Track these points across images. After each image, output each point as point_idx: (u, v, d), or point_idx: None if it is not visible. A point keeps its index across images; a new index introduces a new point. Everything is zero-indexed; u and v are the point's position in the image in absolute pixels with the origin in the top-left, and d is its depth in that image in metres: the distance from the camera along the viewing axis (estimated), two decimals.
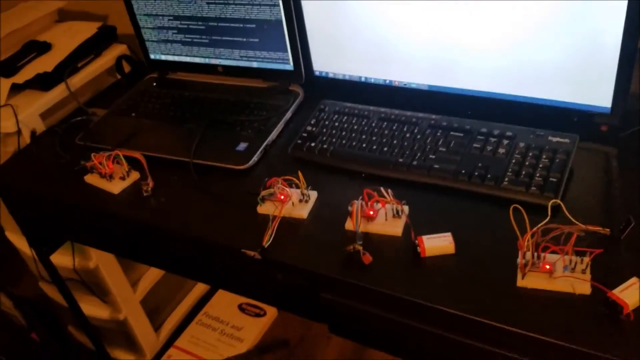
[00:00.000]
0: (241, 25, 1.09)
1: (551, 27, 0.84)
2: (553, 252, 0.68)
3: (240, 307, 1.70)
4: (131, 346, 1.56)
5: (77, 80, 1.26)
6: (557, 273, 0.68)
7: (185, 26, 1.15)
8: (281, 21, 1.05)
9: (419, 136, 0.92)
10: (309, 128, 0.99)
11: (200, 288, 1.74)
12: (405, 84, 1.02)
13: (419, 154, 0.89)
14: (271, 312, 1.68)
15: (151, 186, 0.95)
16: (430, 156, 0.88)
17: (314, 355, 1.57)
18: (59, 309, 1.51)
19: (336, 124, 0.99)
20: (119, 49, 1.34)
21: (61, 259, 1.32)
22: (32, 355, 1.40)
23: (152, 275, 1.53)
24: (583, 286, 0.67)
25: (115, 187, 0.97)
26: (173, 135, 1.08)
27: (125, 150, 0.98)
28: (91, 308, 1.44)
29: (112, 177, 0.98)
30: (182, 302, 1.70)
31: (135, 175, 0.99)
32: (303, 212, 0.85)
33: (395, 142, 0.92)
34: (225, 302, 1.72)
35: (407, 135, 0.93)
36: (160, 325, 1.64)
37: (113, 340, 1.56)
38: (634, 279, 0.66)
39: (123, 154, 0.97)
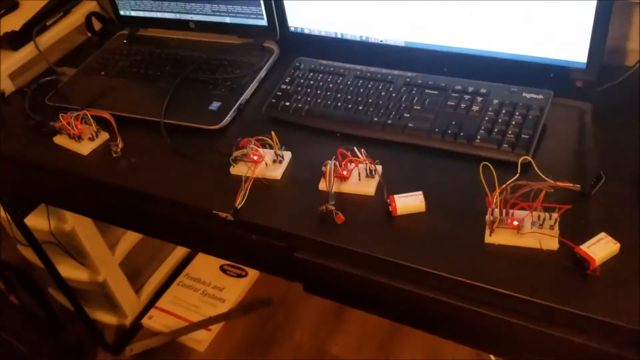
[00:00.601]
0: None
1: None
2: (522, 208, 0.69)
3: (222, 268, 1.71)
4: (112, 307, 1.57)
5: (46, 39, 1.22)
6: (525, 229, 0.68)
7: None
8: None
9: (394, 94, 0.91)
10: (283, 86, 0.97)
11: (182, 250, 1.74)
12: (381, 41, 1.00)
13: (393, 113, 0.88)
14: (253, 272, 1.69)
15: (121, 147, 0.93)
16: (405, 115, 0.87)
17: (296, 314, 1.59)
18: (39, 272, 1.50)
19: (311, 82, 0.97)
20: (88, 6, 1.29)
21: (37, 221, 1.31)
22: (11, 318, 1.40)
23: (131, 237, 1.52)
24: (550, 242, 0.68)
25: (85, 148, 0.95)
26: (144, 94, 1.05)
27: (93, 110, 0.95)
28: (70, 270, 1.43)
29: (81, 138, 0.96)
30: (163, 264, 1.70)
31: (104, 136, 0.97)
32: (277, 172, 0.84)
33: (370, 100, 0.91)
34: (206, 263, 1.72)
35: (383, 93, 0.91)
36: (141, 287, 1.65)
37: (94, 302, 1.57)
38: (602, 234, 0.67)
39: (91, 114, 0.94)
